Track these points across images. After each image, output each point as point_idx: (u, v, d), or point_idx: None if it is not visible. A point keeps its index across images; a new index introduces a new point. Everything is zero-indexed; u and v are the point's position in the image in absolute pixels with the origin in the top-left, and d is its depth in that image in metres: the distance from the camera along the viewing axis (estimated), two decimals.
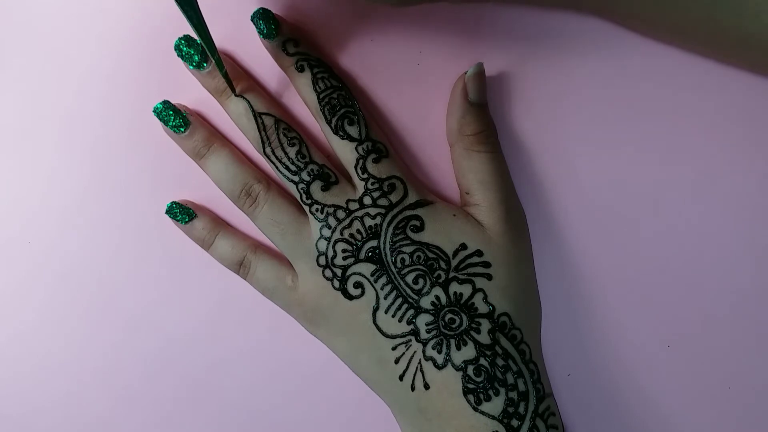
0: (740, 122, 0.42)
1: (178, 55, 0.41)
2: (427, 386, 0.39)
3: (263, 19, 0.40)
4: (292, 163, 0.41)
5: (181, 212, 0.43)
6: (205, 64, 0.41)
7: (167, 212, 0.43)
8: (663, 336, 0.43)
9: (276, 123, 0.41)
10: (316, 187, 0.41)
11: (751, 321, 0.43)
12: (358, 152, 0.40)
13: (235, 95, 0.41)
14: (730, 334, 0.43)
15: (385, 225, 0.40)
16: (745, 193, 0.42)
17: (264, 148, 0.41)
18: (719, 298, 0.43)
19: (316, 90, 0.41)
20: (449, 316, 0.39)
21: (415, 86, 0.43)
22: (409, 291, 0.39)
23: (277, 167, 0.41)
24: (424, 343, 0.39)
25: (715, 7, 0.35)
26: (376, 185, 0.40)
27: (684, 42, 0.41)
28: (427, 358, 0.39)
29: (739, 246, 0.43)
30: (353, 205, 0.40)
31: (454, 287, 0.39)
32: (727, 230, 0.42)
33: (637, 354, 0.43)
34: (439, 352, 0.39)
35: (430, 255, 0.39)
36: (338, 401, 0.45)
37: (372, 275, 0.40)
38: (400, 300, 0.39)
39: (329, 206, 0.40)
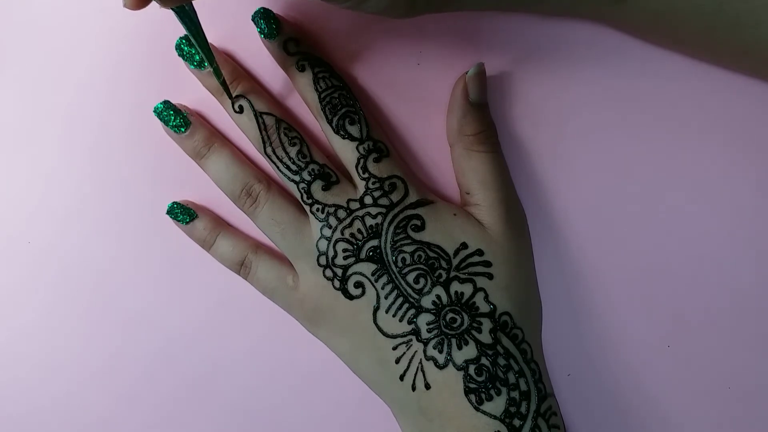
0: (739, 124, 0.42)
1: (179, 55, 0.41)
2: (428, 386, 0.39)
3: (264, 18, 0.40)
4: (293, 162, 0.41)
5: (182, 212, 0.43)
6: (206, 64, 0.41)
7: (168, 212, 0.43)
8: (663, 336, 0.43)
9: (277, 123, 0.41)
10: (316, 187, 0.40)
11: (751, 321, 0.43)
12: (358, 152, 0.40)
13: (231, 99, 0.41)
14: (730, 334, 0.43)
15: (385, 224, 0.40)
16: (745, 194, 0.42)
17: (265, 148, 0.41)
18: (719, 298, 0.43)
19: (317, 89, 0.41)
20: (450, 315, 0.39)
21: (415, 86, 0.43)
22: (409, 290, 0.39)
23: (277, 167, 0.41)
24: (425, 343, 0.39)
25: (713, 18, 0.35)
26: (377, 185, 0.40)
27: (682, 49, 0.41)
28: (428, 358, 0.39)
29: (739, 246, 0.43)
30: (354, 205, 0.40)
31: (455, 286, 0.39)
32: (727, 230, 0.42)
33: (637, 354, 0.43)
34: (440, 352, 0.39)
35: (431, 254, 0.39)
36: (338, 401, 0.45)
37: (373, 275, 0.40)
38: (400, 299, 0.39)
39: (330, 206, 0.40)
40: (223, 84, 0.40)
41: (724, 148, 0.42)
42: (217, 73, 0.39)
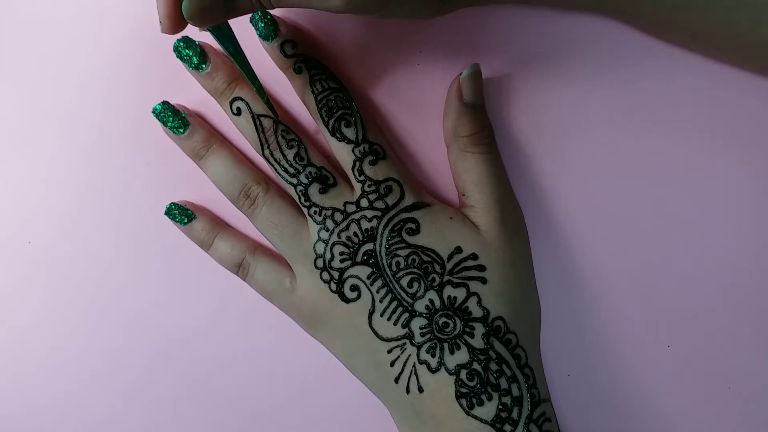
0: (742, 124, 0.42)
1: (177, 57, 0.41)
2: (421, 389, 0.39)
3: (262, 20, 0.40)
4: (291, 165, 0.41)
5: (180, 213, 0.43)
6: (204, 65, 0.41)
7: (166, 213, 0.43)
8: (663, 336, 0.43)
9: (274, 125, 0.41)
10: (314, 190, 0.40)
11: (751, 321, 0.43)
12: (354, 154, 0.40)
13: (277, 119, 0.41)
14: (730, 333, 0.43)
15: (380, 228, 0.40)
16: (746, 194, 0.42)
17: (263, 150, 0.41)
18: (719, 299, 0.43)
19: (313, 92, 0.41)
20: (443, 320, 0.39)
21: (414, 87, 0.43)
22: (403, 294, 0.39)
23: (275, 169, 0.41)
24: (419, 347, 0.39)
25: (732, 11, 0.35)
26: (373, 187, 0.40)
27: (699, 45, 0.40)
28: (421, 362, 0.39)
29: (739, 245, 0.42)
30: (350, 208, 0.40)
31: (448, 291, 0.39)
32: (727, 230, 0.42)
33: (637, 354, 0.43)
34: (433, 356, 0.39)
35: (425, 258, 0.39)
36: (338, 401, 0.45)
37: (368, 278, 0.40)
38: (395, 303, 0.39)
39: (327, 209, 0.40)
40: (268, 103, 0.40)
41: (726, 149, 0.42)
42: (261, 93, 0.39)
